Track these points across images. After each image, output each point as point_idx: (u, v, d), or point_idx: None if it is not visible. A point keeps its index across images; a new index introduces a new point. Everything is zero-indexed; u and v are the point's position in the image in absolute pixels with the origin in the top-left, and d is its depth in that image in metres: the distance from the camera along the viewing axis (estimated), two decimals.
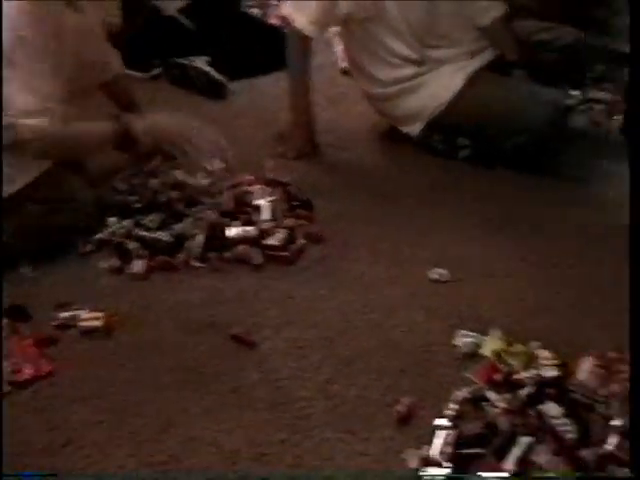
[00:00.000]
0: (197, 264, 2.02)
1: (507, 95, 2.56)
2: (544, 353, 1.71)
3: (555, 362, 1.67)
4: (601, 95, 3.33)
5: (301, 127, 2.63)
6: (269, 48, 3.19)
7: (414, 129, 2.63)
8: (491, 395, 1.59)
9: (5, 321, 1.78)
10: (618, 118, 2.98)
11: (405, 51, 2.59)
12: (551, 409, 1.51)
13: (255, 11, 3.84)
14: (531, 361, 1.69)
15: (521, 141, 2.51)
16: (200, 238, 2.04)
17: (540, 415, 1.50)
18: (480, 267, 2.07)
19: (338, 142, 2.70)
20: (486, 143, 2.58)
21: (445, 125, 2.62)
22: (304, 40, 2.55)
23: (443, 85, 2.58)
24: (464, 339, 1.77)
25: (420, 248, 2.13)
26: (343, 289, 1.95)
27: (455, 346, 1.77)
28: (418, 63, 2.61)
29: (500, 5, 2.70)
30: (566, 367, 1.66)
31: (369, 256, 2.09)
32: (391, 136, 2.74)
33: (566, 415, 1.51)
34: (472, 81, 2.59)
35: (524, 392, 1.57)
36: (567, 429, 1.46)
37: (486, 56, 2.67)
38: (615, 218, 2.28)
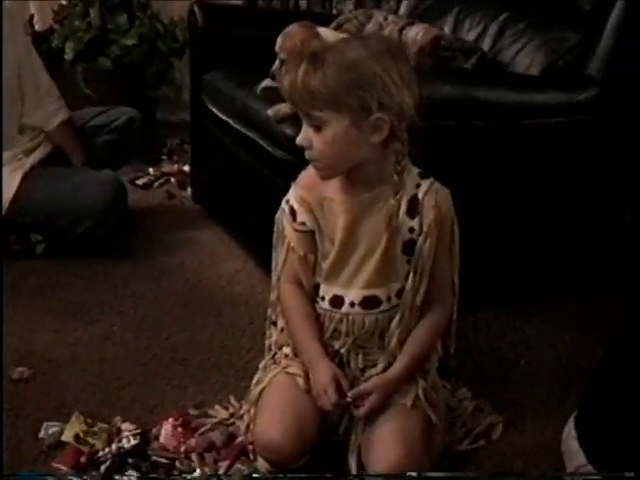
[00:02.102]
0: None
1: (64, 185, 2.62)
2: (126, 425, 1.78)
3: (137, 431, 1.75)
4: (174, 168, 3.56)
5: None
6: None
7: None
8: (74, 479, 1.61)
9: None
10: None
11: None
12: (131, 477, 1.57)
13: None
14: (113, 436, 1.74)
15: (88, 226, 2.58)
16: None
17: None
18: (64, 356, 2.09)
19: None
20: (58, 233, 2.61)
21: (17, 224, 2.61)
22: None
23: (2, 186, 2.58)
24: (49, 430, 1.77)
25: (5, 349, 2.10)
26: None
27: (41, 439, 1.76)
28: None
29: (64, 109, 2.79)
30: (147, 434, 1.75)
31: None
32: None
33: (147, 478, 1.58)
34: (31, 177, 2.62)
35: (103, 467, 1.62)
36: None
37: (42, 151, 2.73)
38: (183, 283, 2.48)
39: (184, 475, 1.63)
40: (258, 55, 2.32)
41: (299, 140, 1.56)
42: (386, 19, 2.82)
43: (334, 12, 3.67)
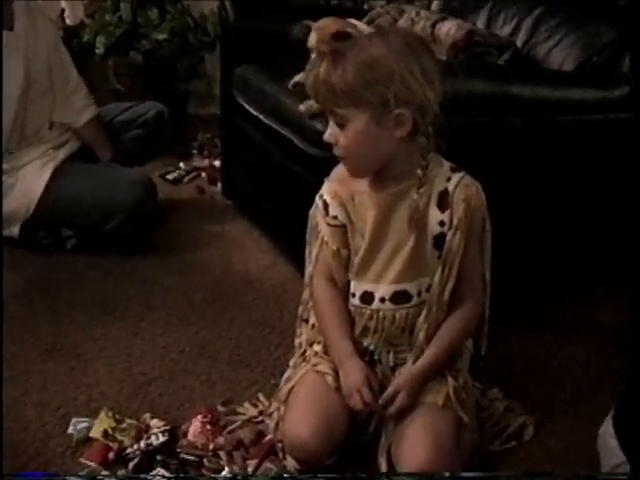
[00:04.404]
0: None
1: (94, 182, 2.62)
2: (155, 422, 1.77)
3: (165, 428, 1.74)
4: (205, 163, 3.55)
5: None
6: None
7: (13, 232, 2.59)
8: (105, 474, 1.61)
9: None
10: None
11: None
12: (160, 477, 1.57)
13: None
14: (142, 432, 1.74)
15: (118, 223, 2.58)
16: None
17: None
18: (92, 351, 2.09)
19: None
20: (88, 229, 2.61)
21: (46, 220, 2.61)
22: None
23: (32, 183, 2.58)
24: (77, 426, 1.77)
25: (33, 342, 2.10)
26: None
27: (70, 435, 1.76)
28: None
29: (92, 106, 2.79)
30: (175, 430, 1.74)
31: None
32: None
33: (177, 477, 1.57)
34: (60, 173, 2.62)
35: (133, 464, 1.61)
36: None
37: (71, 147, 2.73)
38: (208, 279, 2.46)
39: (213, 476, 1.61)
40: (290, 49, 2.30)
41: (326, 137, 1.58)
42: (418, 14, 2.80)
43: (365, 7, 3.63)
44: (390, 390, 1.62)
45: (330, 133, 1.57)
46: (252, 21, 2.86)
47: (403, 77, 1.47)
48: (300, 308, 1.84)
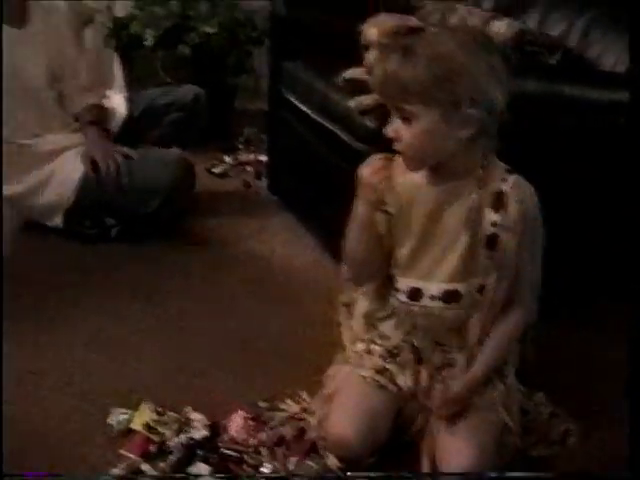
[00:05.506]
0: None
1: (130, 165, 2.62)
2: (196, 416, 1.77)
3: (206, 423, 1.73)
4: (251, 157, 3.55)
5: None
6: None
7: (57, 222, 2.62)
8: (145, 467, 1.61)
9: None
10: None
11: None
12: (200, 469, 1.56)
13: None
14: (183, 426, 1.73)
15: (157, 205, 2.58)
16: None
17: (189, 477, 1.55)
18: (135, 342, 2.09)
19: None
20: (129, 214, 2.62)
21: (88, 207, 2.62)
22: None
23: (70, 170, 2.60)
24: (118, 417, 1.77)
25: (76, 332, 2.11)
26: None
27: (110, 425, 1.76)
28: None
29: (94, 94, 2.79)
30: (216, 425, 1.73)
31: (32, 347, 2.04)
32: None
33: (217, 471, 1.57)
34: None
35: (173, 458, 1.61)
36: None
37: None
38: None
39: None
40: (338, 45, 2.28)
41: (388, 132, 1.54)
42: (469, 12, 2.77)
43: (412, 4, 3.59)
44: (454, 395, 1.62)
45: (393, 128, 1.53)
46: (301, 16, 2.84)
47: (473, 75, 1.44)
48: (342, 296, 1.83)
